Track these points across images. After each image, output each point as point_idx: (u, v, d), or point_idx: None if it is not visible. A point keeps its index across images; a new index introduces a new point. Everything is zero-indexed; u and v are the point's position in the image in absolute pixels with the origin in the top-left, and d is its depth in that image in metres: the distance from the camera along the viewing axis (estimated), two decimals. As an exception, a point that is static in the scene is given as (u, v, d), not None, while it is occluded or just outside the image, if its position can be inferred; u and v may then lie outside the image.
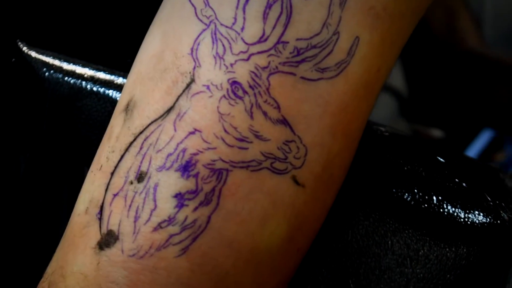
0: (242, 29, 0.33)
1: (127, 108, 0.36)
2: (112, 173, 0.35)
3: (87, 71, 0.47)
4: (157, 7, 0.37)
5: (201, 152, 0.33)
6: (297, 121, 0.33)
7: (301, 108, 0.33)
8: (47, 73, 0.47)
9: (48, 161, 0.48)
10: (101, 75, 0.46)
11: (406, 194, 0.39)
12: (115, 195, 0.34)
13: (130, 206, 0.34)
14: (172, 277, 0.33)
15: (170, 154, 0.33)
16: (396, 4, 0.34)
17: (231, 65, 0.33)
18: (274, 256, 0.35)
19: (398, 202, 0.39)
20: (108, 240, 0.34)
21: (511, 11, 1.32)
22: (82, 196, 0.37)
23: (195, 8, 0.34)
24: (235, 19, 0.33)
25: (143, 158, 0.34)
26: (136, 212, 0.34)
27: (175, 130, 0.33)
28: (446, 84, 1.32)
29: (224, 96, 0.33)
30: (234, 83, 0.33)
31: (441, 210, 0.39)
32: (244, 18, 0.33)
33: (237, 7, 0.33)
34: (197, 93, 0.33)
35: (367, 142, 0.40)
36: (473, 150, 1.24)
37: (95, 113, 0.46)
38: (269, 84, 0.33)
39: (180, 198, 0.33)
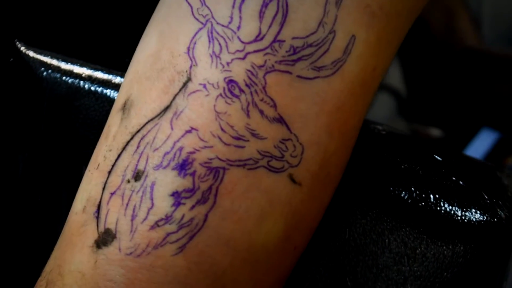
0: (238, 28, 0.33)
1: (124, 107, 0.36)
2: (109, 172, 0.35)
3: (85, 71, 0.47)
4: (154, 7, 0.37)
5: (198, 150, 0.33)
6: (293, 119, 0.33)
7: (297, 107, 0.33)
8: (45, 73, 0.47)
9: (46, 160, 0.49)
10: (99, 74, 0.46)
11: (403, 193, 0.39)
12: (112, 194, 0.35)
13: (127, 204, 0.34)
14: (169, 276, 0.33)
15: (167, 153, 0.33)
16: (392, 3, 0.34)
17: (228, 63, 0.33)
18: (271, 255, 0.35)
19: (395, 200, 0.39)
20: (105, 238, 0.34)
21: (509, 12, 1.32)
22: (80, 195, 0.37)
23: (191, 7, 0.34)
24: (231, 18, 0.33)
25: (140, 157, 0.34)
26: (133, 211, 0.34)
27: (172, 128, 0.34)
28: (445, 83, 1.32)
29: (220, 94, 0.33)
30: (230, 81, 0.33)
31: (438, 208, 0.39)
32: (240, 17, 0.33)
33: (233, 6, 0.33)
34: (194, 91, 0.33)
35: (364, 140, 0.40)
36: (478, 152, 1.24)
37: (93, 112, 0.46)
38: (266, 83, 0.33)
39: (177, 197, 0.33)
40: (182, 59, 0.34)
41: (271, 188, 0.34)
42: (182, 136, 0.33)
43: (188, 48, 0.34)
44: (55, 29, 0.56)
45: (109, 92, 0.46)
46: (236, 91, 0.33)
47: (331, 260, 0.41)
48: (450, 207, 0.39)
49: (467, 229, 0.38)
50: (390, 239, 0.40)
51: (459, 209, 0.39)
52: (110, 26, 0.61)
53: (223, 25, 0.33)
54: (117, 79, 0.46)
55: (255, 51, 0.33)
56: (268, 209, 0.34)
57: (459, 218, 0.38)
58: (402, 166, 0.40)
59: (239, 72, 0.33)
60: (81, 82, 0.46)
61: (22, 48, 0.49)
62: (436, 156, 0.41)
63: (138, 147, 0.34)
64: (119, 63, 0.45)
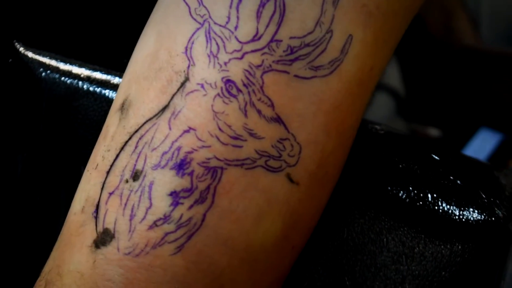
0: (236, 27, 0.33)
1: (123, 107, 0.36)
2: (108, 172, 0.35)
3: (83, 71, 0.47)
4: (152, 7, 0.37)
5: (196, 150, 0.33)
6: (291, 119, 0.33)
7: (295, 106, 0.33)
8: (43, 74, 0.47)
9: (45, 160, 0.49)
10: (98, 75, 0.47)
11: (401, 192, 0.39)
12: (110, 194, 0.35)
13: (125, 204, 0.34)
14: (167, 275, 0.33)
15: (165, 153, 0.33)
16: (389, 2, 0.34)
17: (225, 63, 0.33)
18: (269, 254, 0.35)
19: (393, 200, 0.40)
20: (104, 238, 0.34)
21: (508, 11, 1.32)
22: (78, 195, 0.37)
23: (189, 7, 0.34)
24: (229, 18, 0.33)
25: (138, 157, 0.34)
26: (132, 211, 0.34)
27: (170, 128, 0.34)
28: (444, 83, 1.32)
29: (218, 94, 0.33)
30: (228, 81, 0.33)
31: (436, 207, 0.39)
32: (238, 17, 0.33)
33: (230, 6, 0.33)
34: (192, 91, 0.33)
35: (362, 140, 0.40)
36: (481, 154, 1.24)
37: (92, 112, 0.46)
38: (263, 83, 0.33)
39: (175, 196, 0.33)
40: (180, 59, 0.34)
41: (269, 188, 0.34)
42: (180, 135, 0.33)
43: (186, 48, 0.34)
44: (53, 29, 0.56)
45: (107, 92, 0.46)
46: (234, 91, 0.33)
47: (330, 259, 0.41)
48: (448, 207, 0.39)
49: (465, 228, 0.39)
50: (388, 239, 0.40)
51: (457, 208, 0.39)
52: (108, 26, 0.61)
53: (220, 25, 0.33)
54: (115, 80, 0.46)
55: (252, 51, 0.33)
56: (266, 209, 0.34)
57: (457, 217, 0.39)
58: (400, 166, 0.40)
59: (236, 72, 0.33)
60: (80, 83, 0.47)
61: (21, 49, 0.49)
62: (434, 156, 0.41)
63: (136, 147, 0.34)
64: (118, 64, 0.46)
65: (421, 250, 0.39)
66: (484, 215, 0.39)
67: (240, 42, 0.33)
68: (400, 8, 0.35)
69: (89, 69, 0.47)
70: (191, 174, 0.33)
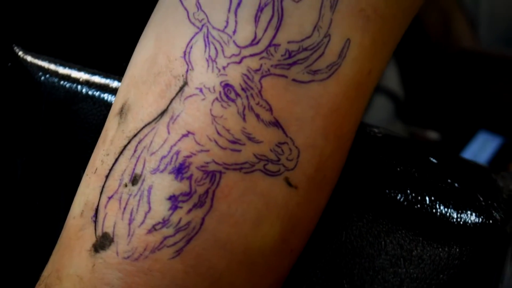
0: (234, 32, 0.33)
1: (121, 112, 0.36)
2: (107, 176, 0.35)
3: (82, 75, 0.47)
4: (151, 11, 0.38)
5: (195, 154, 0.33)
6: (289, 123, 0.33)
7: (293, 110, 0.33)
8: (42, 77, 0.47)
9: (44, 164, 0.49)
10: (96, 79, 0.47)
11: (399, 195, 0.40)
12: (109, 198, 0.35)
13: (124, 208, 0.34)
14: (166, 279, 0.33)
15: (163, 157, 0.34)
16: (387, 6, 0.34)
17: (224, 68, 0.33)
18: (267, 257, 0.35)
19: (391, 202, 0.40)
20: (103, 242, 0.34)
21: (506, 13, 1.32)
22: (78, 199, 0.37)
23: (187, 12, 0.34)
24: (227, 22, 0.33)
25: (137, 161, 0.34)
26: (131, 215, 0.34)
27: (168, 132, 0.34)
28: (442, 86, 1.32)
29: (216, 98, 0.33)
30: (226, 85, 0.33)
31: (434, 210, 0.39)
32: (236, 22, 0.33)
33: (229, 11, 0.33)
34: (190, 96, 0.33)
35: (360, 143, 0.40)
36: (482, 157, 1.24)
37: (91, 116, 0.46)
38: (261, 87, 0.33)
39: (174, 200, 0.33)
40: (178, 64, 0.34)
41: (267, 192, 0.34)
42: (179, 140, 0.33)
43: (185, 53, 0.34)
44: (52, 34, 0.56)
45: (106, 96, 0.46)
46: (232, 95, 0.33)
47: (328, 262, 0.41)
48: (446, 209, 0.39)
49: (463, 231, 0.39)
50: (386, 242, 0.40)
51: (455, 211, 0.39)
52: (107, 30, 0.61)
53: (219, 30, 0.33)
54: (114, 83, 0.46)
55: (250, 55, 0.33)
56: (265, 213, 0.34)
57: (454, 220, 0.39)
58: (398, 169, 0.40)
59: (235, 76, 0.33)
60: (79, 87, 0.47)
61: (20, 53, 0.49)
62: (432, 159, 0.41)
63: (135, 151, 0.34)
64: (117, 68, 0.46)
65: (419, 253, 0.39)
66: (481, 218, 0.39)
67: (238, 46, 0.33)
68: (398, 11, 0.35)
69: (88, 73, 0.47)
70: (189, 178, 0.33)
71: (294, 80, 0.33)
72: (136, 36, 0.38)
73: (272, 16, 0.33)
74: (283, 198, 0.34)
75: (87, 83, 0.47)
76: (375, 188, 0.40)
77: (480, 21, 1.33)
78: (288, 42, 0.33)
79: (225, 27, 0.33)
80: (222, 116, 0.33)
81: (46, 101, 0.47)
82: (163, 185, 0.33)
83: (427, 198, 0.39)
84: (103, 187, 0.35)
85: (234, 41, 0.33)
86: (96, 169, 0.36)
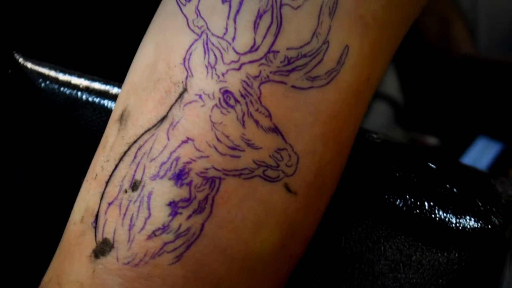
0: (233, 39, 0.33)
1: (121, 118, 0.36)
2: (107, 182, 0.35)
3: (82, 82, 0.47)
4: (150, 18, 0.38)
5: (194, 160, 0.33)
6: (288, 129, 0.34)
7: (292, 117, 0.33)
8: (43, 84, 0.48)
9: (45, 170, 0.49)
10: (96, 85, 0.47)
11: (398, 200, 0.40)
12: (110, 204, 0.35)
13: (124, 214, 0.34)
14: (166, 284, 0.33)
15: (163, 163, 0.34)
16: (386, 13, 0.35)
17: (223, 74, 0.33)
18: (267, 263, 0.35)
19: (391, 208, 0.40)
20: (103, 248, 0.34)
21: (505, 18, 1.32)
22: (78, 205, 0.37)
23: (187, 19, 0.34)
24: (226, 29, 0.33)
25: (137, 167, 0.34)
26: (131, 221, 0.34)
27: (168, 139, 0.34)
28: (441, 92, 1.33)
29: (216, 105, 0.33)
30: (225, 92, 0.33)
31: (433, 215, 0.39)
32: (235, 28, 0.33)
33: (228, 17, 0.33)
34: (190, 102, 0.34)
35: (359, 149, 0.40)
36: (482, 163, 1.24)
37: (91, 123, 0.47)
38: (261, 93, 0.33)
39: (174, 206, 0.33)
40: (178, 70, 0.34)
41: (266, 197, 0.34)
42: (179, 146, 0.34)
43: (184, 59, 0.34)
44: (52, 40, 0.57)
45: (106, 102, 0.46)
46: (232, 102, 0.33)
47: (328, 267, 0.41)
48: (445, 215, 0.39)
49: (462, 236, 0.39)
50: (385, 247, 0.40)
51: (454, 216, 0.39)
52: (107, 37, 0.62)
53: (218, 36, 0.33)
54: (114, 90, 0.46)
55: (250, 62, 0.33)
56: (264, 218, 0.34)
57: (453, 225, 0.39)
58: (397, 174, 0.40)
59: (234, 82, 0.33)
60: (79, 93, 0.47)
61: (20, 60, 0.49)
62: (431, 164, 0.41)
63: (135, 157, 0.35)
64: (117, 74, 0.46)
65: (419, 258, 0.39)
66: (480, 223, 0.39)
67: (237, 53, 0.33)
68: (397, 18, 0.35)
69: (88, 79, 0.47)
70: (189, 184, 0.33)
71: (293, 86, 0.33)
72: (136, 42, 0.38)
73: (271, 23, 0.33)
74: (282, 204, 0.34)
75: (87, 90, 0.47)
76: (375, 193, 0.40)
77: (478, 27, 1.34)
78: (287, 49, 0.33)
79: (224, 34, 0.33)
80: (222, 122, 0.33)
81: (46, 107, 0.48)
82: (163, 191, 0.34)
83: (426, 204, 0.39)
84: (103, 193, 0.35)
85: (233, 48, 0.33)
86: (96, 175, 0.36)
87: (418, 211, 0.39)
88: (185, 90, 0.34)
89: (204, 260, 0.34)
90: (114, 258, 0.34)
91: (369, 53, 0.35)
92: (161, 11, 0.37)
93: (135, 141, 0.35)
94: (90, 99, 0.46)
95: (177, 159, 0.33)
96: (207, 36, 0.34)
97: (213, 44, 0.33)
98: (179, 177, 0.33)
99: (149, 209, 0.34)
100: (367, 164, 0.41)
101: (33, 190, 0.49)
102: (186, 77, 0.34)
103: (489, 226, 0.39)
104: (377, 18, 0.34)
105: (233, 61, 0.33)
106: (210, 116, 0.33)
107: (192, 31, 0.34)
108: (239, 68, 0.33)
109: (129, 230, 0.34)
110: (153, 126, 0.34)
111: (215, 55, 0.33)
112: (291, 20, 0.33)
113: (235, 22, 0.33)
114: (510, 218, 0.39)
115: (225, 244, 0.34)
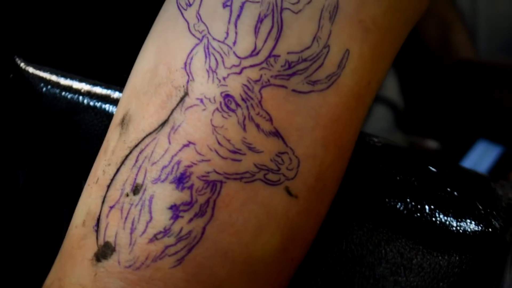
0: (234, 43, 0.33)
1: (123, 122, 0.36)
2: (108, 186, 0.35)
3: (83, 86, 0.47)
4: (151, 22, 0.38)
5: (195, 164, 0.33)
6: (289, 133, 0.34)
7: (293, 120, 0.34)
8: (44, 89, 0.48)
9: (46, 174, 0.49)
10: (98, 89, 0.47)
11: (399, 204, 0.40)
12: (111, 208, 0.35)
13: (126, 218, 0.34)
14: None
15: (165, 167, 0.34)
16: (386, 17, 0.35)
17: (224, 78, 0.33)
18: (268, 266, 0.35)
19: (391, 211, 0.40)
20: (105, 251, 0.34)
21: (505, 22, 1.33)
22: (79, 209, 0.37)
23: (188, 23, 0.34)
24: (227, 33, 0.33)
25: (138, 171, 0.34)
26: (132, 224, 0.34)
27: (169, 143, 0.34)
28: (442, 95, 1.33)
29: (217, 109, 0.33)
30: (227, 96, 0.33)
31: (434, 219, 0.39)
32: (236, 33, 0.33)
33: (229, 22, 0.33)
34: (191, 106, 0.34)
35: (360, 152, 0.40)
36: (482, 166, 1.24)
37: (92, 127, 0.47)
38: (261, 97, 0.33)
39: (175, 210, 0.34)
40: (179, 74, 0.34)
41: (267, 201, 0.34)
42: (180, 150, 0.34)
43: (185, 64, 0.34)
44: (54, 45, 0.57)
45: (108, 107, 0.46)
46: (233, 106, 0.33)
47: (329, 271, 0.41)
48: (445, 218, 0.39)
49: (462, 239, 0.39)
50: (386, 250, 0.40)
51: (454, 219, 0.39)
52: (108, 41, 0.62)
53: (219, 41, 0.34)
54: (115, 94, 0.46)
55: (251, 66, 0.33)
56: (265, 222, 0.34)
57: (454, 228, 0.39)
58: (398, 178, 0.40)
59: (235, 86, 0.33)
60: (80, 97, 0.47)
61: (22, 64, 0.49)
62: (431, 168, 0.41)
63: (136, 161, 0.35)
64: (118, 78, 0.46)
65: (419, 261, 0.39)
66: (481, 226, 0.39)
67: (238, 57, 0.33)
68: (397, 22, 0.36)
69: (89, 84, 0.47)
70: (190, 187, 0.33)
71: (294, 90, 0.33)
72: (137, 47, 0.38)
73: (272, 27, 0.33)
74: (283, 208, 0.34)
75: (89, 94, 0.47)
76: (375, 197, 0.40)
77: (478, 31, 1.34)
78: (288, 53, 0.33)
79: (225, 38, 0.33)
80: (223, 126, 0.33)
81: (47, 112, 0.48)
82: (164, 195, 0.34)
83: (426, 207, 0.39)
84: (104, 196, 0.35)
85: (234, 52, 0.33)
86: (98, 179, 0.36)
87: (418, 214, 0.39)
88: (186, 94, 0.34)
89: (205, 263, 0.34)
90: (116, 261, 0.34)
91: (370, 57, 0.35)
92: (162, 15, 0.37)
93: (136, 145, 0.35)
94: (91, 103, 0.47)
95: (178, 162, 0.34)
96: (208, 40, 0.34)
97: (214, 49, 0.34)
98: (181, 180, 0.33)
99: (150, 212, 0.34)
100: (368, 168, 0.41)
101: (34, 194, 0.49)
102: (187, 81, 0.34)
103: (490, 229, 0.39)
104: (378, 22, 0.34)
105: (234, 65, 0.33)
106: (211, 120, 0.33)
107: (193, 35, 0.34)
108: (240, 72, 0.33)
109: (131, 233, 0.34)
110: (154, 130, 0.34)
111: (216, 59, 0.34)
112: (291, 25, 0.33)
113: (236, 26, 0.33)
114: (511, 221, 0.39)
115: (226, 247, 0.34)
